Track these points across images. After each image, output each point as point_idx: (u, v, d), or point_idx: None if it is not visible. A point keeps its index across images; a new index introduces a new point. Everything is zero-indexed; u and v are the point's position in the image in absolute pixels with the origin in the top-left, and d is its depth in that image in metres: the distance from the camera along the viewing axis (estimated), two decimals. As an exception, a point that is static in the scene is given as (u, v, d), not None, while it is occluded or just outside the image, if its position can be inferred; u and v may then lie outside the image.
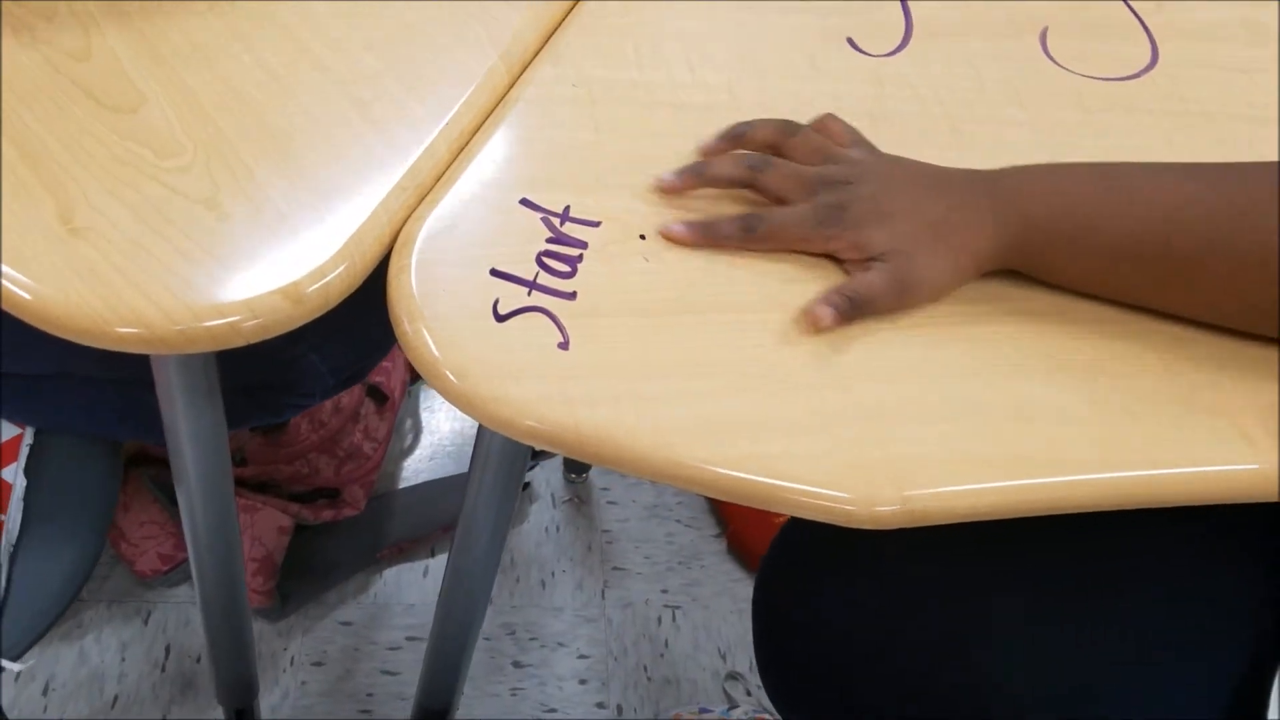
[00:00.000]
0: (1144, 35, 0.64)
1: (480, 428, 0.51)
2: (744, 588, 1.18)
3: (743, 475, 0.41)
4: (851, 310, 0.45)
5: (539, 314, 0.44)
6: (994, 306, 0.48)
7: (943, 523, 0.42)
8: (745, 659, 1.12)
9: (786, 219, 0.48)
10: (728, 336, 0.45)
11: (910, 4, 0.64)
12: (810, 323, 0.45)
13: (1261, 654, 0.51)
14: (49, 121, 0.48)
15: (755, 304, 0.46)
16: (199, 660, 1.06)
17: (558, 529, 1.21)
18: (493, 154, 0.51)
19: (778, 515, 0.46)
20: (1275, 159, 0.45)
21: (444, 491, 1.20)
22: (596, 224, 0.48)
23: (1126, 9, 0.66)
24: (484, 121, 0.53)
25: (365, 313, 0.46)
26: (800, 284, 0.47)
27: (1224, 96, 0.60)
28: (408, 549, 1.16)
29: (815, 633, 0.57)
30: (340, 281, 0.44)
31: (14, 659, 0.60)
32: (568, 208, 0.49)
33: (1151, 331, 0.47)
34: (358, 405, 1.16)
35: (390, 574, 1.15)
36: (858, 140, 0.52)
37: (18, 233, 0.43)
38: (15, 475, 0.66)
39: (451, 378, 0.42)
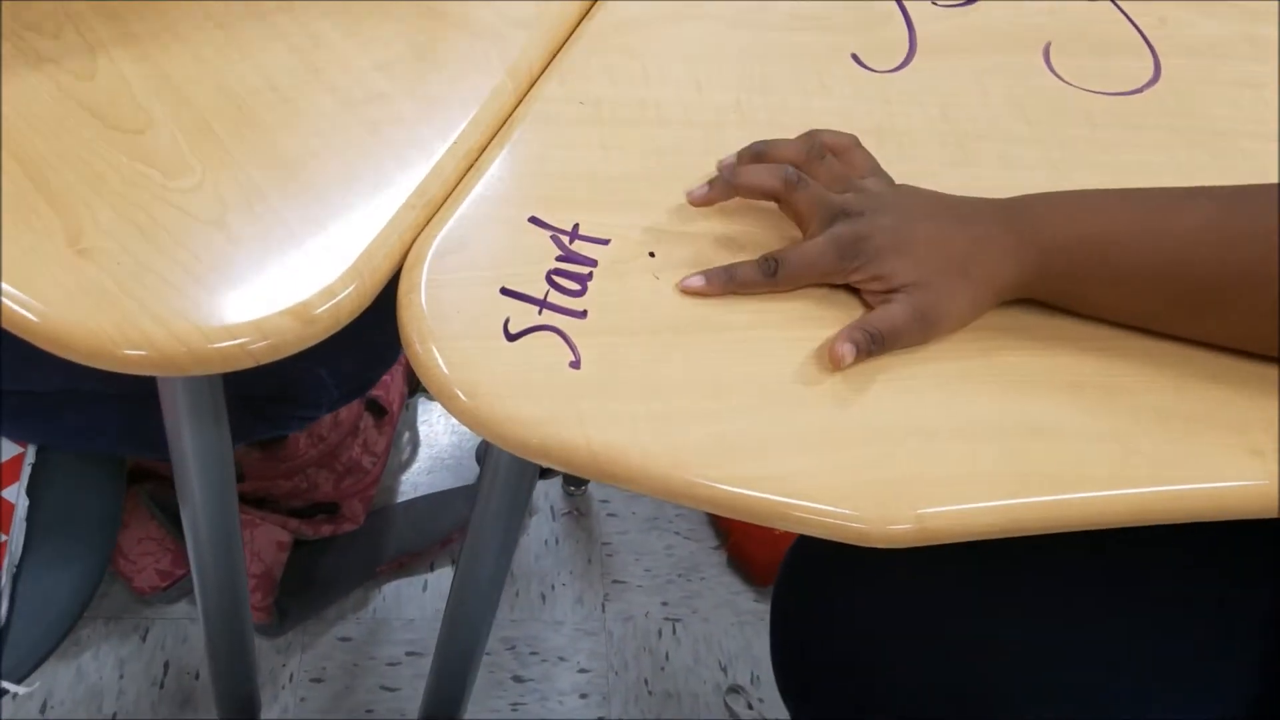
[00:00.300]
0: (1147, 50, 0.64)
1: (489, 445, 0.51)
2: (745, 600, 1.18)
3: (757, 495, 0.41)
4: (874, 346, 0.45)
5: (550, 333, 0.44)
6: (1006, 325, 0.48)
7: (956, 540, 0.42)
8: (747, 672, 1.12)
9: (805, 257, 0.47)
10: (740, 355, 0.45)
11: (914, 21, 0.64)
12: (832, 361, 0.44)
13: (1275, 667, 0.51)
14: (56, 142, 0.47)
15: (767, 322, 0.46)
16: (197, 677, 1.05)
17: (557, 542, 1.21)
18: (501, 172, 0.51)
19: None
20: (1277, 177, 0.45)
21: (443, 506, 1.20)
22: (606, 242, 0.48)
23: (1129, 24, 0.66)
24: (492, 140, 0.53)
25: (370, 325, 0.46)
26: (813, 301, 0.47)
27: (1227, 111, 0.60)
28: (407, 564, 1.16)
29: (832, 643, 0.58)
30: (350, 301, 0.44)
31: (17, 681, 0.60)
32: (577, 225, 0.49)
33: (1162, 350, 0.47)
34: (356, 419, 1.15)
35: (389, 589, 1.14)
36: (876, 170, 0.51)
37: (25, 254, 0.43)
38: (17, 495, 0.66)
39: (463, 397, 0.42)
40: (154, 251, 0.44)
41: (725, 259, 0.48)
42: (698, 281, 0.47)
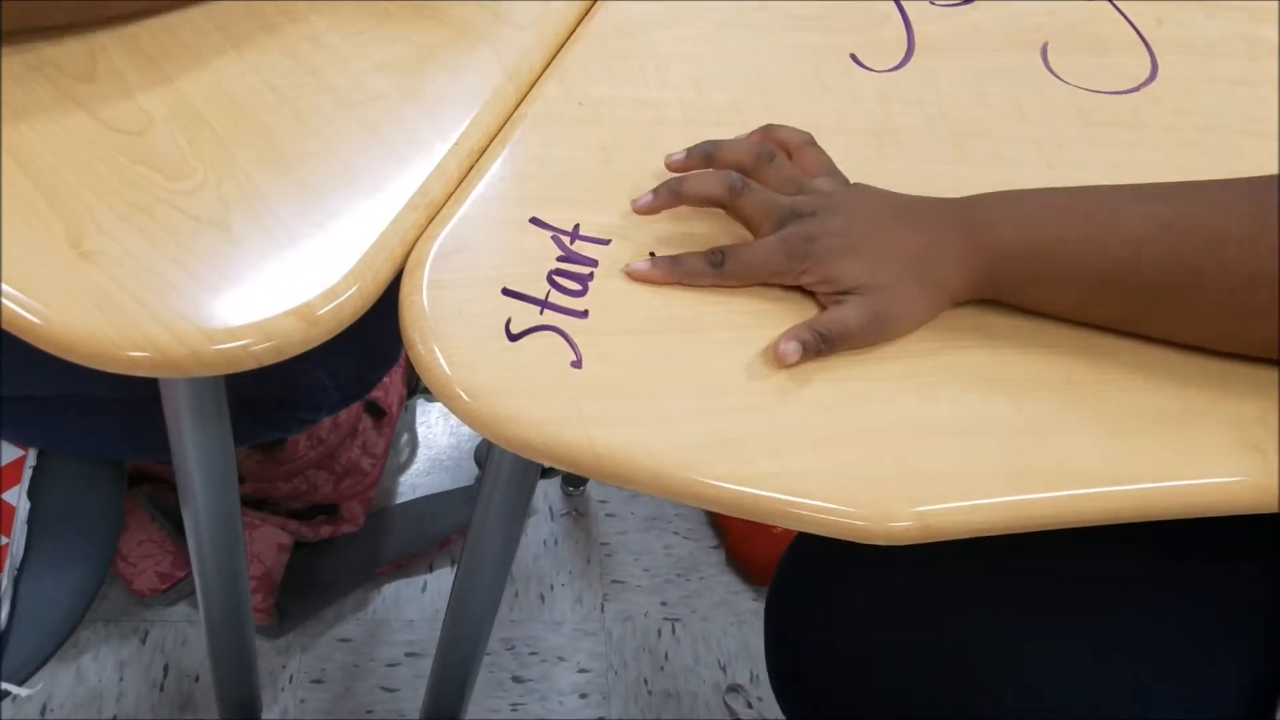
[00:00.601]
0: (1144, 49, 0.64)
1: (491, 445, 0.51)
2: (744, 599, 1.18)
3: (760, 493, 0.41)
4: (823, 346, 0.44)
5: (552, 333, 0.44)
6: (1008, 324, 0.48)
7: (955, 538, 0.42)
8: (746, 671, 1.12)
9: (753, 255, 0.47)
10: (740, 354, 0.45)
11: (912, 21, 0.64)
12: (776, 359, 0.44)
13: (1274, 663, 0.51)
14: (56, 145, 0.47)
15: (767, 321, 0.46)
16: (197, 679, 1.05)
17: (556, 542, 1.21)
18: (502, 173, 0.51)
19: (777, 526, 0.46)
20: (1273, 172, 0.45)
21: (442, 507, 1.20)
22: (606, 242, 0.48)
23: (1127, 24, 0.66)
24: (492, 140, 0.53)
25: (371, 326, 0.46)
26: (813, 303, 0.47)
27: (1224, 110, 0.60)
28: (406, 565, 1.16)
29: (826, 642, 0.58)
30: (353, 302, 0.44)
31: (19, 683, 0.60)
32: (577, 226, 0.49)
33: (1162, 347, 0.47)
34: (356, 421, 1.16)
35: (389, 590, 1.14)
36: (829, 169, 0.51)
37: (27, 257, 0.43)
38: (19, 498, 0.66)
39: (466, 397, 0.42)
40: (156, 253, 0.44)
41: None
42: (643, 266, 0.47)
